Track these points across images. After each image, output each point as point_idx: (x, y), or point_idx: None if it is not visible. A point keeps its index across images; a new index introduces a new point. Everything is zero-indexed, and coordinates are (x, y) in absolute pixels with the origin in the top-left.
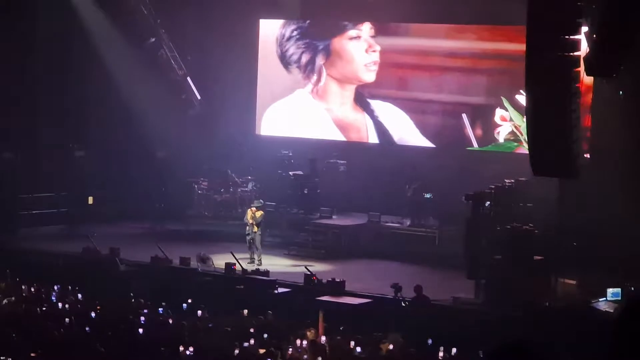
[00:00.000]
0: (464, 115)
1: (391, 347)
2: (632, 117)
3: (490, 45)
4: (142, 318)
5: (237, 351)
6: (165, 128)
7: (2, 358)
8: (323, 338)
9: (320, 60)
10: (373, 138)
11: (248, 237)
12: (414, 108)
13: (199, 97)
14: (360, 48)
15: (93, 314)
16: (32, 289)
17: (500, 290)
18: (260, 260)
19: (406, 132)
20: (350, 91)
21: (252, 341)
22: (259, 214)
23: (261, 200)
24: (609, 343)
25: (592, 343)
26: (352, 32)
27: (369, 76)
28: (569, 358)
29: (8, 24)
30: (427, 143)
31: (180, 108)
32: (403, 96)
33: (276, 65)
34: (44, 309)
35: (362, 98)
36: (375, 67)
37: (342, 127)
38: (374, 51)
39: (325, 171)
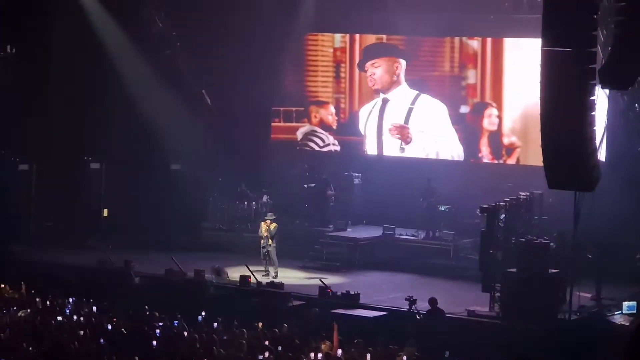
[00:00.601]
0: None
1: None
2: None
3: None
4: (157, 330)
5: None
6: (180, 140)
7: None
8: (338, 351)
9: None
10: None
11: (263, 250)
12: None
13: (213, 109)
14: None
15: (108, 327)
16: (47, 302)
17: (515, 303)
18: (276, 273)
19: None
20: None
21: (266, 354)
22: (273, 226)
23: (274, 214)
24: (625, 356)
25: (608, 356)
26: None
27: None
28: None
29: (24, 38)
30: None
31: (194, 120)
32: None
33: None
34: (59, 321)
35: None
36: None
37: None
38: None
39: (340, 184)
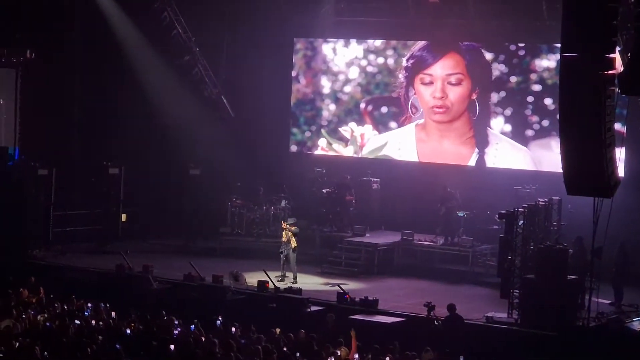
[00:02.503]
0: None
1: None
2: None
3: None
4: (174, 335)
5: None
6: (199, 145)
7: None
8: (356, 356)
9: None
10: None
11: (282, 255)
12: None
13: (232, 115)
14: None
15: (126, 331)
16: (66, 306)
17: (534, 309)
18: (295, 278)
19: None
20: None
21: None
22: (293, 229)
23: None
24: None
25: None
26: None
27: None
28: None
29: (44, 43)
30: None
31: (214, 125)
32: None
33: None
34: (77, 325)
35: None
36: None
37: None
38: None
39: (359, 189)
